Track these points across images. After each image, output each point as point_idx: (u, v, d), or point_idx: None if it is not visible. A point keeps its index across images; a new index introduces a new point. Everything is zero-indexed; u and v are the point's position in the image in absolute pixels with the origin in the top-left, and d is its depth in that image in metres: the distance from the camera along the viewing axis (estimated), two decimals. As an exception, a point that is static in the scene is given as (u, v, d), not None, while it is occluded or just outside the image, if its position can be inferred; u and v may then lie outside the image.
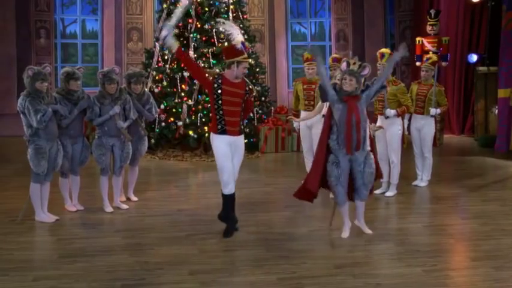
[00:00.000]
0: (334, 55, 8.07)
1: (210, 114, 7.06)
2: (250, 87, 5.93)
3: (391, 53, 7.19)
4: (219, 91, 5.78)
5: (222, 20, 6.52)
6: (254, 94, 6.17)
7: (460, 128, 13.29)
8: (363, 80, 5.89)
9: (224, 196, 6.06)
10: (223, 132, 5.86)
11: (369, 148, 5.92)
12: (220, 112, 5.81)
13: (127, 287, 4.73)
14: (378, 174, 6.07)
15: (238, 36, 5.95)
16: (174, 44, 5.94)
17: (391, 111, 7.45)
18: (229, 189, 6.00)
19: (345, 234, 5.97)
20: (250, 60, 5.97)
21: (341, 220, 6.05)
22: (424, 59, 8.38)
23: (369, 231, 6.07)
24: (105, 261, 5.26)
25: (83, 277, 4.90)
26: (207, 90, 6.21)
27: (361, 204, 6.03)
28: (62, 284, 4.77)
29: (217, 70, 5.76)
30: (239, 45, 5.87)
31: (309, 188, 5.90)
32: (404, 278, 4.90)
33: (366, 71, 5.86)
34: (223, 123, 5.83)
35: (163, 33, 5.91)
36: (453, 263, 5.43)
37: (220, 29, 5.95)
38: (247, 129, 10.84)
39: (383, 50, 7.64)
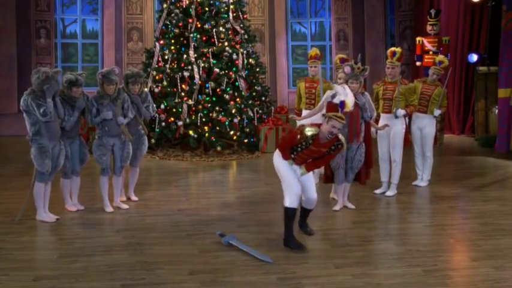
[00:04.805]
0: (341, 56, 8.05)
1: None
2: (339, 146, 5.67)
3: (402, 52, 7.68)
4: (303, 147, 5.57)
5: (339, 87, 6.21)
6: (343, 150, 5.97)
7: (460, 128, 13.29)
8: (362, 79, 6.80)
9: (287, 210, 5.63)
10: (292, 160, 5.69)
11: (361, 139, 6.88)
12: (294, 153, 5.62)
13: (127, 287, 4.73)
14: (369, 163, 7.13)
15: (340, 97, 5.87)
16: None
17: (401, 111, 7.48)
18: (292, 204, 5.61)
19: (337, 207, 6.98)
20: (343, 122, 5.60)
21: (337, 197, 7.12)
22: (437, 61, 8.28)
23: (352, 206, 7.04)
24: (106, 261, 5.26)
25: (83, 277, 4.91)
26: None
27: (347, 185, 7.06)
28: (62, 284, 4.77)
29: (310, 133, 5.58)
30: (336, 102, 5.81)
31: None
32: (404, 278, 4.90)
33: (367, 73, 6.82)
34: (294, 159, 5.65)
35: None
36: (453, 263, 5.43)
37: (334, 90, 5.99)
38: (247, 129, 10.87)
39: (394, 48, 7.67)
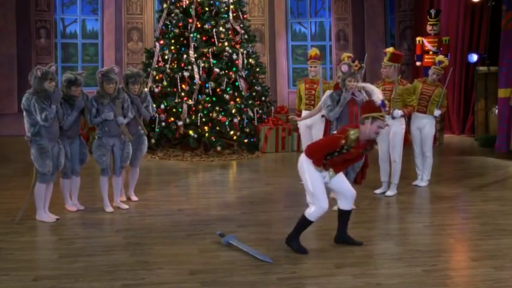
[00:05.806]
0: (349, 54, 8.03)
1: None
2: (374, 144, 5.63)
3: (394, 53, 7.66)
4: (344, 151, 5.37)
5: (362, 85, 6.24)
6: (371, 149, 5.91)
7: (460, 128, 13.29)
8: (360, 77, 6.84)
9: (306, 220, 5.55)
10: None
11: None
12: (328, 157, 5.39)
13: (127, 287, 4.73)
14: (365, 163, 6.97)
15: (379, 95, 5.78)
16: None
17: (398, 112, 7.47)
18: (314, 218, 5.53)
19: (336, 208, 6.50)
20: (386, 122, 5.51)
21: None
22: (436, 61, 8.27)
23: (353, 206, 6.49)
24: (106, 261, 5.26)
25: (83, 277, 4.91)
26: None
27: None
28: (63, 284, 4.77)
29: (354, 137, 5.37)
30: (378, 102, 5.57)
31: None
32: (404, 278, 4.91)
33: (363, 71, 6.93)
34: (326, 163, 5.43)
35: None
36: (453, 263, 5.44)
37: (361, 87, 5.99)
38: (247, 129, 10.87)
39: (387, 49, 7.72)
